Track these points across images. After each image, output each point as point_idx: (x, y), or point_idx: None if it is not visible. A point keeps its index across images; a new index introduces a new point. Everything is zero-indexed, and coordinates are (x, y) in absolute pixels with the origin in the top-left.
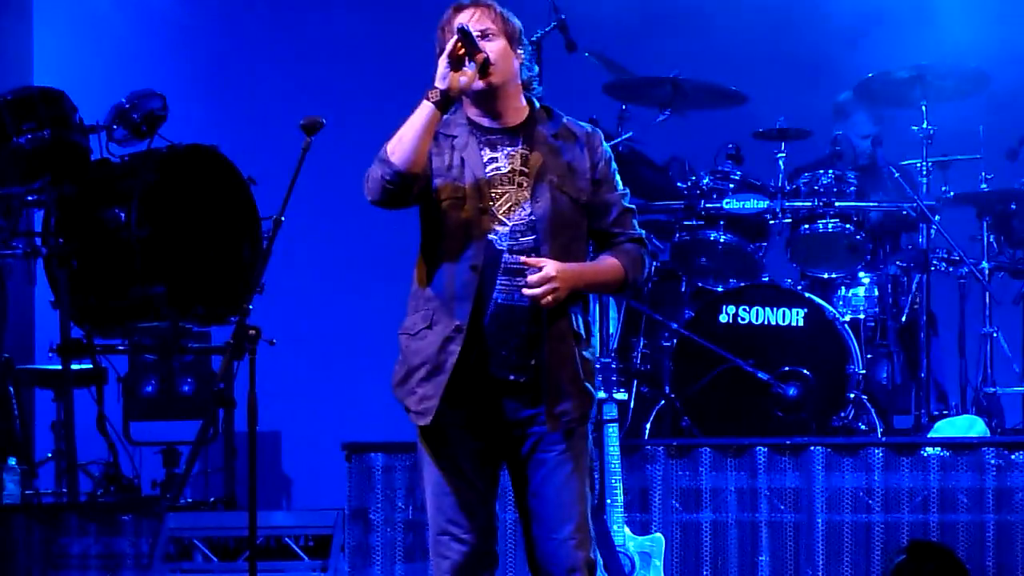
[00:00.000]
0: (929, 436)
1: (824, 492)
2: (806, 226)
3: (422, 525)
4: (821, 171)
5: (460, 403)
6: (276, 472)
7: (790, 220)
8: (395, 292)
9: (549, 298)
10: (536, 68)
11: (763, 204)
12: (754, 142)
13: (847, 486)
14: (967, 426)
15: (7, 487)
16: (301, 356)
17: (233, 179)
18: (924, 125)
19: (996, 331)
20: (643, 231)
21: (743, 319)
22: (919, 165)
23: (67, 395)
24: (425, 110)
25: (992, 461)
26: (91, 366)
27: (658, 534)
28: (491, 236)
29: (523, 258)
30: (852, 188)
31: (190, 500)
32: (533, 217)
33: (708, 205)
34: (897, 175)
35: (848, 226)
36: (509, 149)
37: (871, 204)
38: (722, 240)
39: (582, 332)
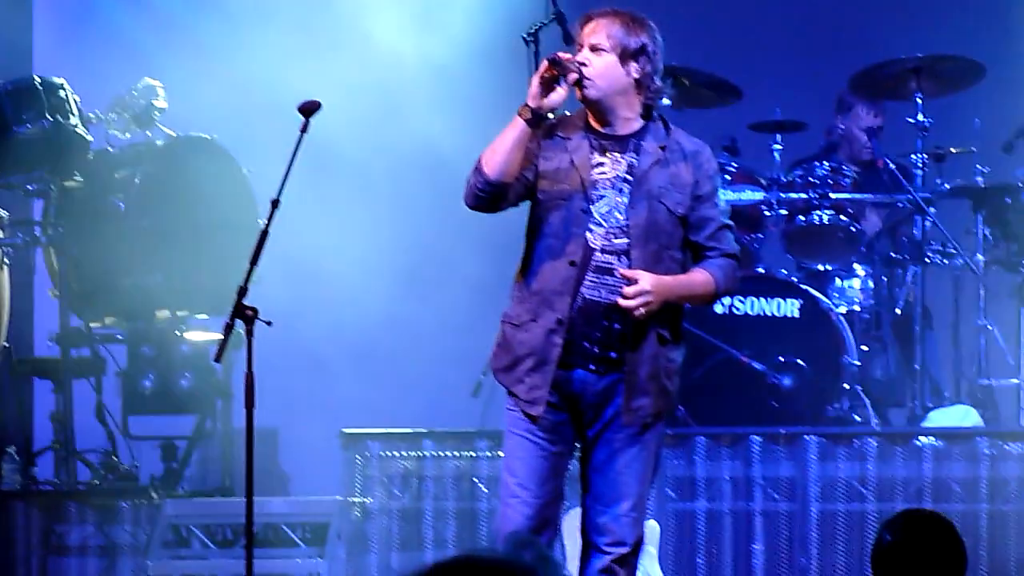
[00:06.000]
0: (923, 426)
1: (818, 481)
2: (802, 218)
3: (418, 513)
4: (817, 163)
5: None
6: (274, 466)
7: (786, 212)
8: (387, 281)
9: (642, 310)
10: (659, 81)
11: (759, 196)
12: (750, 134)
13: (841, 475)
14: (961, 416)
15: (6, 475)
16: (295, 350)
17: (231, 169)
18: (920, 118)
19: (991, 324)
20: (738, 247)
21: (738, 310)
22: (915, 158)
23: (66, 383)
24: (517, 126)
25: (986, 451)
26: (90, 355)
27: (652, 522)
28: (588, 235)
29: (611, 268)
30: (848, 180)
31: (188, 491)
32: (628, 222)
33: None
34: (892, 167)
35: (843, 218)
36: (617, 155)
37: (866, 196)
38: None
39: (667, 334)
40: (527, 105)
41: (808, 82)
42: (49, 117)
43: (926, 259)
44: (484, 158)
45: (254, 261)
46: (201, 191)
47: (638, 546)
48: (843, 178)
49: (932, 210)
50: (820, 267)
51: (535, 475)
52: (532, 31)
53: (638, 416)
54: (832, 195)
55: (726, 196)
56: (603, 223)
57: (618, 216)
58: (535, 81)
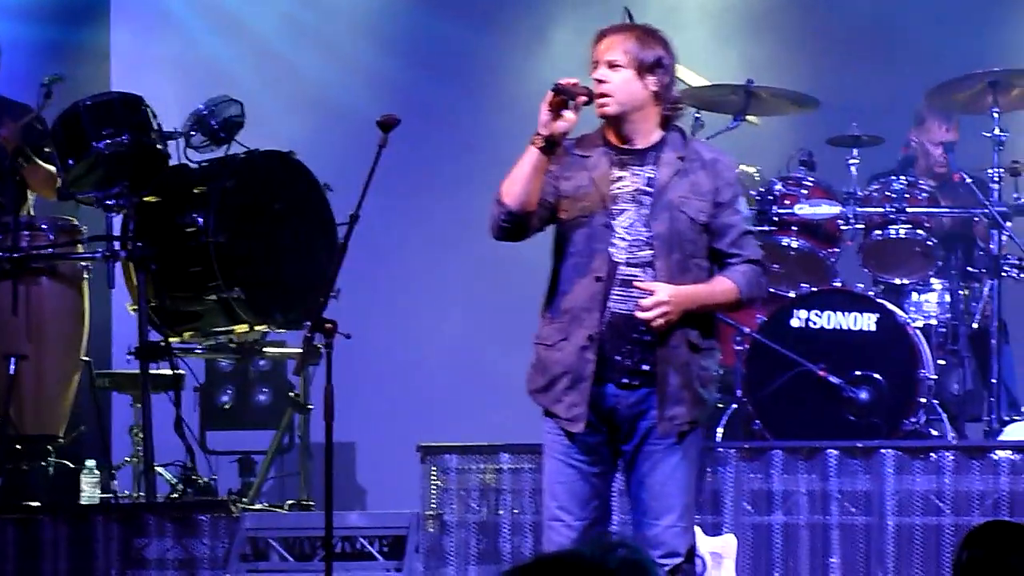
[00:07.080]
0: (1000, 439)
1: (895, 495)
2: (878, 232)
3: (496, 527)
4: (893, 177)
5: None
6: (352, 480)
7: (862, 226)
8: (464, 292)
9: (661, 321)
10: (676, 92)
11: (835, 210)
12: (827, 148)
13: (918, 489)
14: None
15: (85, 489)
16: (374, 364)
17: (309, 184)
18: (996, 131)
19: None
20: (761, 252)
21: (815, 324)
22: (991, 172)
23: (145, 397)
24: (531, 155)
25: None
26: (169, 371)
27: (730, 535)
28: (611, 249)
29: (637, 280)
30: (924, 194)
31: (265, 504)
32: (650, 234)
33: (780, 211)
34: (969, 181)
35: (920, 232)
36: (636, 169)
37: (943, 210)
38: (794, 245)
39: (698, 342)
40: (539, 133)
41: (885, 97)
42: (127, 132)
43: (1003, 273)
44: (503, 189)
45: (333, 275)
46: (280, 205)
47: (691, 555)
48: (920, 192)
49: (1009, 224)
50: (897, 281)
51: (576, 498)
52: None
53: (673, 425)
54: (909, 209)
55: (803, 210)
56: (626, 237)
57: (640, 229)
58: (543, 109)
